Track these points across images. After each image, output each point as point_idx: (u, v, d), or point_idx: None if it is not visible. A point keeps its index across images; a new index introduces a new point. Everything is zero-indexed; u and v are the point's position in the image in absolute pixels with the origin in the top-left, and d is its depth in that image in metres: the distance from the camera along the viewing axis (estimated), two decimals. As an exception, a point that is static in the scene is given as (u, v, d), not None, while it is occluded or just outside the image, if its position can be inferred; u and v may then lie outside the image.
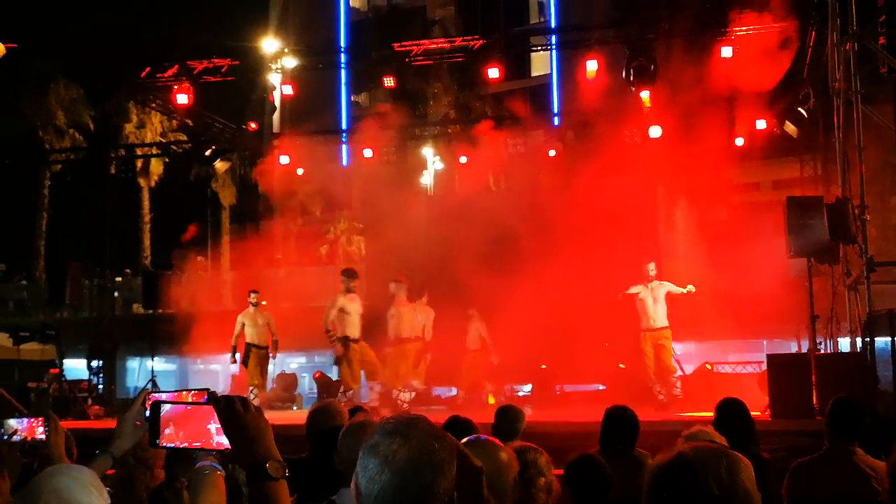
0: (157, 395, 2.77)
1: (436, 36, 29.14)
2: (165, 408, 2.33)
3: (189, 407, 2.35)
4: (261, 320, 15.90)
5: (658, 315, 13.71)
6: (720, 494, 1.94)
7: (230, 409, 2.20)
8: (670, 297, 13.80)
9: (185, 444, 2.31)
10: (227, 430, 2.20)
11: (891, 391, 10.53)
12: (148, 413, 2.40)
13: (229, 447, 2.23)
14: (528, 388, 17.52)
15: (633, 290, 13.85)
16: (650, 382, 13.88)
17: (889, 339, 10.86)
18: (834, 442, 5.10)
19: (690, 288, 13.67)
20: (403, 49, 17.80)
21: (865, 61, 12.81)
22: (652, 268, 13.78)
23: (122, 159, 21.70)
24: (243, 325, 15.81)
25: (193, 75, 17.76)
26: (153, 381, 16.15)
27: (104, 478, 2.95)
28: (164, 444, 2.32)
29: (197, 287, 23.33)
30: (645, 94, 16.50)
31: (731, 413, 5.34)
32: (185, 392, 2.72)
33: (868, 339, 11.30)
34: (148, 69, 18.12)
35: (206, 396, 2.60)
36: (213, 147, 19.25)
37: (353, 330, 13.81)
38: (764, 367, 13.36)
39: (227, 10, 34.61)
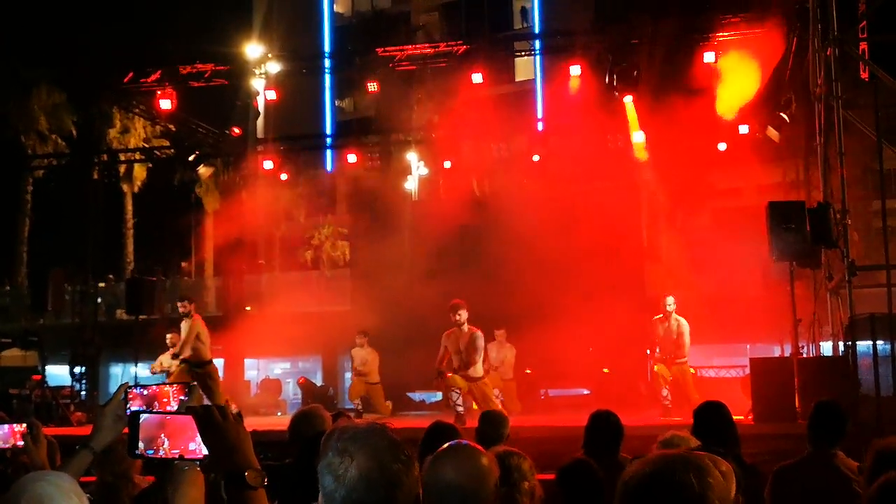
0: (136, 388, 2.76)
1: (420, 41, 29.19)
2: (144, 417, 2.33)
3: (169, 416, 2.34)
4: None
5: (678, 348, 13.15)
6: None
7: (209, 417, 2.20)
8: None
9: (164, 454, 2.31)
10: (206, 438, 2.20)
11: (872, 395, 10.60)
12: (129, 418, 2.39)
13: (208, 455, 2.23)
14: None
15: (655, 331, 13.31)
16: (658, 388, 13.44)
17: (870, 342, 10.94)
18: (816, 445, 5.12)
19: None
20: (387, 54, 17.80)
21: (847, 67, 12.90)
22: (670, 302, 13.22)
23: (105, 164, 21.59)
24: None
25: (177, 80, 17.72)
26: (135, 381, 16.04)
27: (84, 486, 2.94)
28: (143, 454, 2.31)
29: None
30: (628, 99, 16.54)
31: (712, 417, 5.34)
32: (166, 385, 2.71)
33: (850, 343, 11.37)
34: (131, 74, 18.07)
35: (187, 391, 2.60)
36: (197, 152, 19.21)
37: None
38: (747, 371, 13.41)
39: (210, 15, 34.59)
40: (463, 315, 12.57)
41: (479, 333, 12.69)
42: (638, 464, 2.02)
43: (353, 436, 2.05)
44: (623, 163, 18.04)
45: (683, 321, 13.18)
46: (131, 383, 2.83)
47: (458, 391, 12.82)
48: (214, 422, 2.19)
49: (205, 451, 2.23)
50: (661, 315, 13.26)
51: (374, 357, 15.83)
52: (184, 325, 14.27)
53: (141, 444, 2.31)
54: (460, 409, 12.60)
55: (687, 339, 13.14)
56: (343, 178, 27.35)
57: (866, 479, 4.14)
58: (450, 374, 12.74)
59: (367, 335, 15.79)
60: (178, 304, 14.64)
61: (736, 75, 14.93)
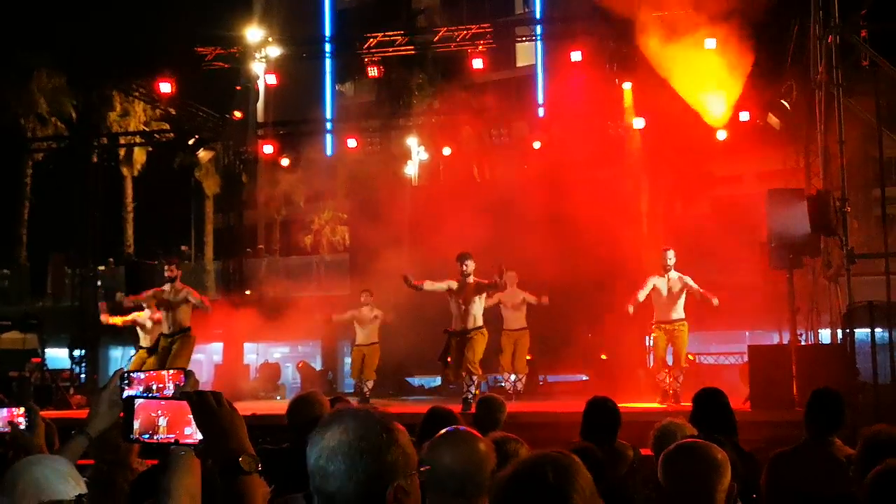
0: (133, 374, 2.76)
1: (421, 26, 29.12)
2: (140, 401, 2.33)
3: (164, 401, 2.35)
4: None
5: (674, 307, 12.78)
6: None
7: (203, 403, 2.21)
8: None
9: (160, 438, 2.31)
10: (201, 424, 2.21)
11: (870, 382, 10.62)
12: (123, 402, 2.40)
13: (202, 440, 2.24)
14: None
15: (647, 285, 12.80)
16: (655, 371, 13.30)
17: (869, 330, 10.96)
18: (813, 433, 5.14)
19: (715, 301, 12.66)
20: (388, 39, 17.77)
21: (847, 54, 12.87)
22: (670, 256, 12.77)
23: (104, 148, 21.58)
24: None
25: (177, 64, 17.70)
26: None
27: (82, 469, 2.95)
28: (138, 439, 2.32)
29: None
30: (627, 86, 16.52)
31: (709, 404, 5.36)
32: (162, 372, 2.71)
33: (848, 331, 11.38)
34: (132, 57, 18.07)
35: (183, 376, 2.60)
36: (197, 136, 19.18)
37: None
38: (745, 358, 13.42)
39: (210, -2, 34.45)
40: (470, 266, 12.32)
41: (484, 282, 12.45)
42: (511, 463, 2.13)
43: (324, 423, 2.12)
44: (623, 149, 18.02)
45: (686, 277, 12.81)
46: (126, 368, 2.82)
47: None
48: (209, 407, 2.21)
49: (200, 437, 2.24)
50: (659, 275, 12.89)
51: (379, 315, 15.41)
52: (175, 294, 13.81)
53: (137, 429, 2.31)
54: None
55: (692, 284, 12.72)
56: (343, 162, 27.34)
57: (857, 467, 4.16)
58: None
59: (371, 293, 15.53)
60: (166, 266, 14.08)
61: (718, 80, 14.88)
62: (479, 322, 12.59)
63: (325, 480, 2.03)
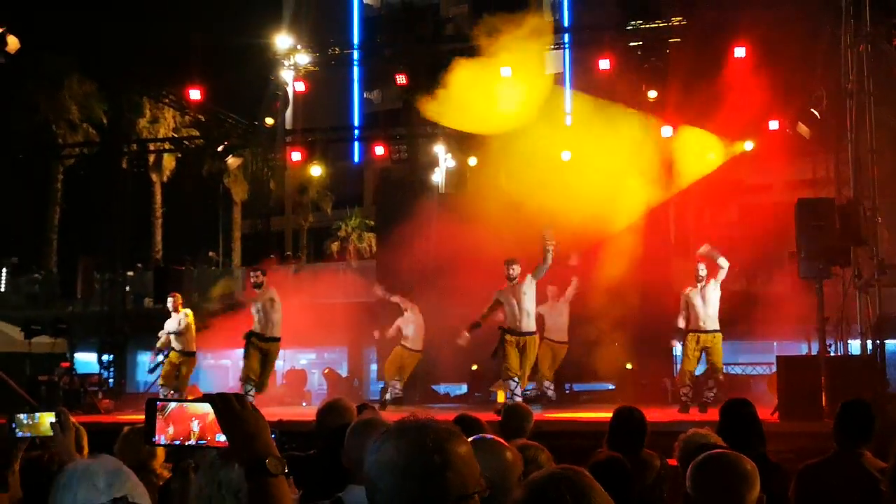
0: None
1: (449, 33, 29.15)
2: (172, 405, 2.35)
3: (187, 405, 2.36)
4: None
5: (709, 317, 13.10)
6: None
7: (227, 406, 2.22)
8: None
9: (191, 443, 2.32)
10: (225, 427, 2.21)
11: (901, 393, 10.52)
12: (146, 406, 2.42)
13: (228, 444, 2.24)
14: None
15: (682, 303, 13.33)
16: (681, 384, 13.50)
17: (900, 341, 10.87)
18: (842, 444, 5.08)
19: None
20: (416, 46, 17.81)
21: (879, 62, 12.78)
22: (702, 268, 13.13)
23: (134, 154, 21.77)
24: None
25: (206, 71, 17.84)
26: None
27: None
28: (165, 443, 2.33)
29: (208, 282, 23.38)
30: (653, 94, 16.48)
31: (737, 414, 5.32)
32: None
33: (878, 342, 11.28)
34: (162, 64, 18.24)
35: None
36: (226, 143, 19.31)
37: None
38: (774, 368, 13.33)
39: (240, 6, 34.70)
40: (516, 269, 12.85)
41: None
42: (521, 485, 2.10)
43: (390, 431, 2.08)
44: (651, 156, 17.92)
45: (715, 289, 13.12)
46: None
47: (516, 379, 12.85)
48: (232, 409, 2.21)
49: (225, 440, 2.25)
50: (692, 287, 13.22)
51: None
52: (261, 303, 14.15)
53: (170, 435, 2.33)
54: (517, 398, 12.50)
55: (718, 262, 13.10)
56: (370, 169, 27.44)
57: (889, 480, 4.11)
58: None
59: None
60: (252, 273, 14.64)
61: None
62: (533, 323, 13.06)
63: (374, 493, 2.02)
